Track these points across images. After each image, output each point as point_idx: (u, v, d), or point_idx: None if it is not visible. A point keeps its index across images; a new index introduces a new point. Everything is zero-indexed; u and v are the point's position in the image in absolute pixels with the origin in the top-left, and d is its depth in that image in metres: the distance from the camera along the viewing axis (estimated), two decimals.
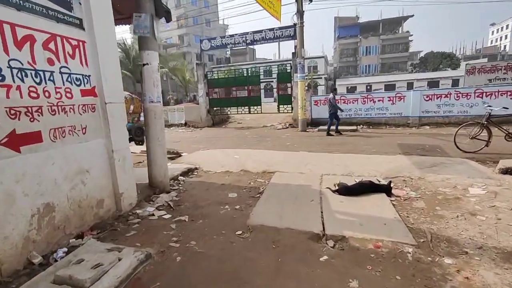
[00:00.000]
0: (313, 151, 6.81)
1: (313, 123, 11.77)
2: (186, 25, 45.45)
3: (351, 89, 39.47)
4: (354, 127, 10.48)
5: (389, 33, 46.11)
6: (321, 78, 37.95)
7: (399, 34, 46.47)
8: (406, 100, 10.26)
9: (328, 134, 9.59)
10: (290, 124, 12.52)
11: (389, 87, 35.70)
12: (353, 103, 11.09)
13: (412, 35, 45.46)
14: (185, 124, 14.73)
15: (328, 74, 43.38)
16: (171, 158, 6.23)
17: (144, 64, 3.69)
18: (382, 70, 46.21)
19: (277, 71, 12.42)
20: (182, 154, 7.39)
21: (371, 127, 10.84)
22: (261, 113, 13.10)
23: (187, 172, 5.08)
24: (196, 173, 5.19)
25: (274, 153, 6.40)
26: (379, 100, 10.69)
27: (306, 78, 10.86)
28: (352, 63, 48.21)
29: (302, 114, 10.84)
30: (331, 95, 9.70)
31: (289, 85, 12.38)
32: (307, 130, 10.99)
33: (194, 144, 9.48)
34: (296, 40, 11.38)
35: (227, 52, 56.21)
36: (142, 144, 9.73)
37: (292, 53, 11.57)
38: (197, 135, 11.95)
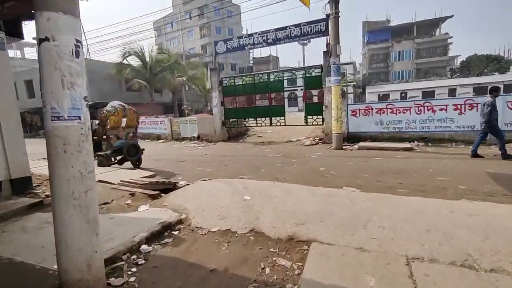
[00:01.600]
0: (364, 186, 4.55)
1: (350, 138, 9.42)
2: (209, 35, 45.09)
3: (383, 97, 36.15)
4: (407, 145, 8.00)
5: (425, 36, 42.27)
6: (349, 85, 35.15)
7: (436, 36, 42.43)
8: (480, 109, 7.61)
9: (507, 157, 6.11)
10: (320, 139, 10.26)
11: (427, 94, 32.07)
12: (403, 113, 8.62)
13: (452, 37, 41.29)
14: (198, 137, 13.00)
15: (356, 81, 40.43)
16: (153, 197, 4.29)
17: (40, 41, 1.76)
18: (417, 76, 42.28)
19: (303, 75, 10.31)
20: (177, 184, 5.47)
21: (429, 144, 8.26)
22: (285, 125, 10.99)
23: (162, 232, 3.08)
24: (177, 231, 3.17)
25: (304, 190, 4.24)
26: (441, 109, 8.13)
27: (342, 83, 8.63)
28: (383, 69, 44.74)
29: (337, 127, 8.57)
30: (488, 99, 6.28)
31: (315, 93, 10.19)
32: (344, 147, 8.67)
33: (201, 165, 7.57)
34: (328, 37, 9.26)
35: (250, 61, 55.25)
36: (139, 165, 8.02)
37: (324, 52, 9.44)
38: (209, 151, 10.08)
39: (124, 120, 7.29)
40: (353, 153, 7.93)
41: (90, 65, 20.53)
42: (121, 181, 5.10)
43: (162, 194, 4.46)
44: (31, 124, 23.70)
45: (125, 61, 20.17)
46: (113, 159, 7.30)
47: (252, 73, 11.10)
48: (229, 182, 4.88)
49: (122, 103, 7.34)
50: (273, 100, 11.15)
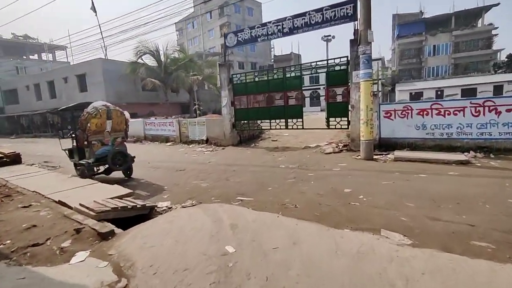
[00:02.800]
0: (414, 230, 2.97)
1: (383, 145, 7.70)
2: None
3: (416, 96, 33.02)
4: (460, 156, 6.17)
5: (465, 28, 38.12)
6: (376, 83, 32.43)
7: (478, 28, 38.14)
8: None
9: None
10: (345, 146, 8.61)
11: (468, 92, 28.67)
12: (455, 114, 6.75)
13: (497, 27, 36.84)
14: (207, 141, 11.83)
15: (384, 78, 37.45)
16: (102, 237, 3.05)
17: None
18: (455, 72, 38.26)
19: (325, 70, 8.71)
20: (156, 208, 4.26)
21: (491, 155, 6.34)
22: (302, 128, 9.45)
23: None
24: None
25: (320, 238, 2.77)
26: (508, 110, 6.19)
27: (373, 79, 6.95)
28: (415, 65, 41.11)
29: (367, 132, 6.91)
30: None
31: (339, 91, 8.55)
32: (375, 157, 6.99)
33: (199, 178, 6.32)
34: (356, 22, 7.61)
35: (272, 60, 53.66)
36: (130, 174, 6.94)
37: (351, 40, 7.79)
38: (214, 158, 8.82)
39: (109, 123, 6.22)
40: (388, 167, 6.24)
41: (105, 64, 20.28)
42: (80, 204, 3.93)
43: (118, 231, 3.21)
44: (53, 124, 24.11)
45: (140, 60, 19.64)
46: (96, 169, 6.27)
47: (264, 69, 9.57)
48: (215, 213, 3.52)
49: (107, 104, 6.27)
50: (289, 99, 9.64)
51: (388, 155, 7.04)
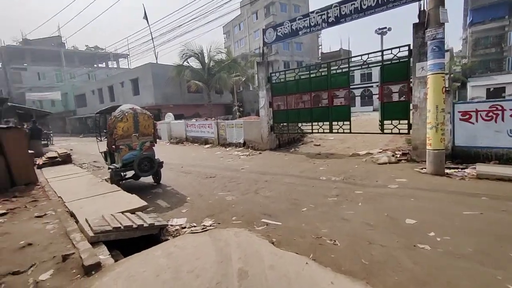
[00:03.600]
0: None
1: (457, 155, 6.01)
2: None
3: (495, 92, 27.83)
4: None
5: None
6: (448, 77, 28.17)
7: None
8: None
9: None
10: (404, 154, 7.07)
11: None
12: None
13: None
14: (244, 144, 11.21)
15: (453, 73, 32.43)
16: (85, 272, 2.49)
17: None
18: None
19: (380, 64, 7.27)
20: (168, 227, 3.70)
21: None
22: (350, 132, 8.13)
23: None
24: None
25: None
26: None
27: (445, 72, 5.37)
28: (494, 55, 34.72)
29: (436, 138, 5.38)
30: None
31: (395, 88, 7.03)
32: (447, 172, 5.41)
33: (226, 188, 5.66)
34: (423, 1, 6.09)
35: (319, 58, 51.25)
36: (159, 180, 6.63)
37: (415, 24, 6.28)
38: (249, 164, 8.10)
39: (134, 127, 5.93)
40: (469, 187, 4.67)
41: (154, 68, 21.34)
42: (86, 220, 3.53)
43: (109, 262, 2.64)
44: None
45: (185, 63, 20.15)
46: (123, 174, 6.05)
47: (306, 65, 8.52)
48: (226, 248, 2.72)
49: (135, 107, 6.00)
50: (334, 98, 8.39)
51: (466, 170, 5.39)
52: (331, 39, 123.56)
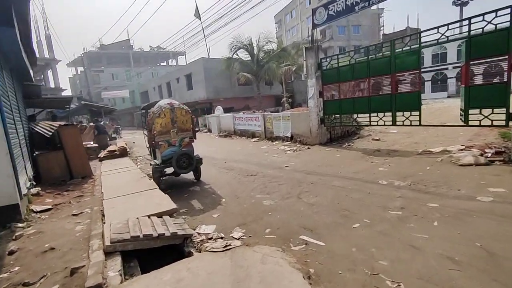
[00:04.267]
0: None
1: None
2: None
3: None
4: None
5: None
6: None
7: None
8: None
9: None
10: (498, 153, 5.41)
11: None
12: None
13: None
14: (291, 138, 10.42)
15: None
16: None
17: None
18: None
19: (467, 35, 5.60)
20: (194, 235, 3.32)
21: None
22: (420, 125, 6.65)
23: None
24: None
25: None
26: None
27: None
28: None
29: None
30: None
31: (485, 68, 5.32)
32: None
33: (266, 189, 5.11)
34: None
35: (380, 40, 45.95)
36: (199, 177, 6.42)
37: None
38: (294, 161, 7.35)
39: (172, 123, 5.74)
40: None
41: (206, 63, 21.80)
42: (110, 224, 3.35)
43: (108, 285, 2.30)
44: None
45: (235, 56, 20.03)
46: (163, 170, 5.94)
47: (362, 47, 7.24)
48: (245, 279, 2.12)
49: (172, 102, 5.79)
50: (399, 84, 6.94)
51: None
52: (395, 18, 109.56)
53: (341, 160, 6.94)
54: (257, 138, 12.56)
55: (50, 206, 4.34)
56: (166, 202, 4.12)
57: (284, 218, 3.75)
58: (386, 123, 7.37)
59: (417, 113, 6.63)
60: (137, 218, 3.53)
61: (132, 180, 5.99)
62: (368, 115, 7.76)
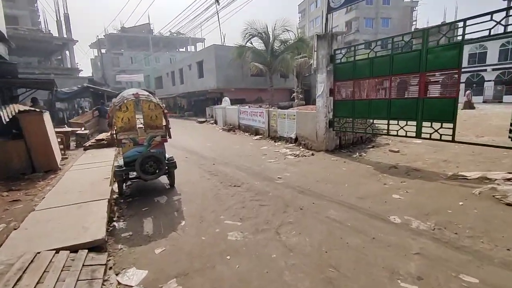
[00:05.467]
0: None
1: None
2: (356, 7, 37.70)
3: None
4: None
5: None
6: None
7: None
8: None
9: None
10: None
11: None
12: None
13: None
14: (295, 140, 9.18)
15: None
16: None
17: None
18: None
19: None
20: None
21: None
22: (453, 140, 5.22)
23: None
24: None
25: None
26: None
27: None
28: None
29: None
30: None
31: None
32: None
33: (243, 211, 4.01)
34: None
35: (414, 24, 42.23)
36: (172, 184, 5.35)
37: None
38: (293, 170, 6.18)
39: (137, 117, 4.72)
40: None
41: (218, 50, 20.64)
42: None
43: None
44: (181, 106, 27.70)
45: (248, 44, 18.68)
46: (124, 175, 4.94)
47: (386, 37, 5.74)
48: None
49: (140, 91, 4.72)
50: (429, 86, 5.49)
51: None
52: (429, 12, 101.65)
53: (347, 175, 5.66)
54: (260, 136, 11.40)
55: None
56: (95, 227, 3.12)
57: (243, 271, 2.64)
58: (409, 133, 5.97)
59: (451, 125, 5.19)
60: (37, 253, 2.55)
61: (92, 181, 5.06)
62: (386, 121, 6.36)
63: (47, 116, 6.49)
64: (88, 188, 4.64)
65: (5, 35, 6.27)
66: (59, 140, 7.61)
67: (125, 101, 4.51)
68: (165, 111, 4.99)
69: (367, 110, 6.72)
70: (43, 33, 28.57)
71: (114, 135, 4.73)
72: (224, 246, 3.11)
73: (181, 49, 57.06)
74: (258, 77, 22.12)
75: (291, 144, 9.22)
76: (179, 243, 3.22)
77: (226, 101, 16.57)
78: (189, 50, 56.12)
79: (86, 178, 5.30)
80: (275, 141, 10.16)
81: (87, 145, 9.03)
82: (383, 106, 6.34)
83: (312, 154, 7.68)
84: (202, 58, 22.34)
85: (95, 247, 2.90)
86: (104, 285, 2.43)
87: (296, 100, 16.24)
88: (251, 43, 19.11)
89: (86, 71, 59.63)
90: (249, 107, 14.38)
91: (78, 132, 10.13)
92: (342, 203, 4.20)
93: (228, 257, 2.87)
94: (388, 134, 6.53)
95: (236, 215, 3.93)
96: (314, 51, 7.51)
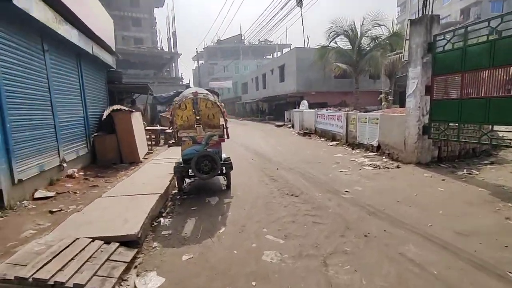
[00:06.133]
0: None
1: None
2: None
3: None
4: None
5: None
6: None
7: None
8: None
9: None
10: None
11: None
12: None
13: None
14: (378, 148, 7.74)
15: None
16: None
17: None
18: None
19: None
20: None
21: None
22: None
23: None
24: None
25: None
26: None
27: None
28: None
29: None
30: None
31: None
32: None
33: (290, 226, 3.49)
34: None
35: None
36: (228, 186, 5.22)
37: None
38: (368, 184, 5.13)
39: (193, 115, 4.70)
40: None
41: (299, 53, 20.15)
42: (35, 242, 2.62)
43: None
44: (262, 110, 28.51)
45: (332, 44, 17.42)
46: (183, 172, 5.00)
47: None
48: None
49: (199, 90, 4.72)
50: None
51: None
52: None
53: (445, 199, 4.21)
54: (337, 142, 10.26)
55: (52, 194, 4.17)
56: (134, 221, 3.12)
57: None
58: None
59: None
60: (77, 239, 2.67)
61: (159, 175, 5.39)
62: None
63: (136, 115, 7.45)
64: (152, 181, 4.93)
65: (113, 48, 7.51)
66: (147, 136, 8.70)
67: (184, 99, 4.59)
68: (223, 110, 4.86)
69: (483, 112, 4.92)
70: (157, 50, 34.62)
71: (175, 133, 4.88)
72: (255, 267, 2.59)
73: (268, 56, 59.40)
74: (343, 79, 20.45)
75: (372, 153, 7.84)
76: (209, 252, 2.89)
77: (304, 104, 15.89)
78: (276, 56, 57.85)
79: (156, 172, 5.72)
80: (353, 149, 8.91)
81: (171, 142, 10.05)
82: (508, 106, 4.48)
83: (398, 167, 6.24)
84: (284, 62, 22.30)
85: (130, 241, 2.88)
86: (121, 285, 2.32)
87: (384, 103, 14.02)
88: (336, 43, 17.76)
89: (189, 80, 69.40)
90: (327, 110, 13.29)
91: (166, 130, 11.46)
92: (430, 238, 3.03)
93: (254, 283, 2.35)
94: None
95: (282, 230, 3.35)
96: (406, 39, 6.09)
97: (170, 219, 3.84)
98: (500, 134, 5.34)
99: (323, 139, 11.73)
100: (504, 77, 4.64)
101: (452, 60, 5.31)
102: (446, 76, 5.53)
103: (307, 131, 13.91)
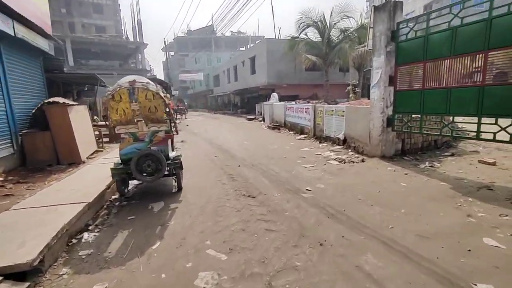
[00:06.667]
0: None
1: None
2: None
3: None
4: None
5: None
6: None
7: None
8: None
9: None
10: None
11: None
12: None
13: None
14: (344, 141, 7.53)
15: None
16: None
17: None
18: None
19: None
20: None
21: None
22: None
23: None
24: None
25: None
26: None
27: None
28: None
29: None
30: None
31: None
32: None
33: (240, 235, 2.95)
34: None
35: None
36: (179, 188, 4.62)
37: None
38: (331, 181, 4.79)
39: (133, 108, 4.04)
40: None
41: (270, 44, 19.66)
42: None
43: None
44: (234, 103, 27.76)
45: (302, 35, 17.12)
46: (122, 174, 4.31)
47: None
48: None
49: (137, 79, 4.00)
50: None
51: None
52: None
53: (407, 195, 3.98)
54: (305, 136, 9.98)
55: None
56: (34, 243, 2.45)
57: None
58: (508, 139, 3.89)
59: None
60: None
61: (98, 178, 4.64)
62: (477, 119, 4.34)
63: (77, 109, 6.51)
64: (85, 186, 4.18)
65: (49, 31, 6.46)
66: (97, 133, 7.74)
67: (118, 89, 3.87)
68: (168, 101, 4.22)
69: (444, 103, 4.76)
70: (121, 39, 32.28)
71: (112, 129, 4.17)
72: None
73: (241, 48, 58.25)
74: (313, 72, 20.34)
75: (338, 147, 7.61)
76: (131, 279, 2.32)
77: (274, 97, 15.50)
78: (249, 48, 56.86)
79: (97, 174, 4.95)
80: (320, 142, 8.66)
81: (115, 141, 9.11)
82: (471, 97, 4.34)
83: (363, 161, 6.02)
84: (255, 54, 21.71)
85: (25, 271, 2.22)
86: None
87: (351, 95, 14.03)
88: (306, 35, 17.49)
89: (159, 72, 66.14)
90: (295, 102, 13.00)
91: None
92: (390, 244, 2.70)
93: None
94: (478, 137, 4.47)
95: (228, 242, 2.86)
96: (370, 27, 5.80)
97: (96, 234, 3.19)
98: (460, 125, 5.27)
99: (292, 132, 11.42)
100: (464, 66, 4.47)
101: (415, 49, 5.09)
102: (409, 66, 5.32)
103: (277, 124, 13.55)
